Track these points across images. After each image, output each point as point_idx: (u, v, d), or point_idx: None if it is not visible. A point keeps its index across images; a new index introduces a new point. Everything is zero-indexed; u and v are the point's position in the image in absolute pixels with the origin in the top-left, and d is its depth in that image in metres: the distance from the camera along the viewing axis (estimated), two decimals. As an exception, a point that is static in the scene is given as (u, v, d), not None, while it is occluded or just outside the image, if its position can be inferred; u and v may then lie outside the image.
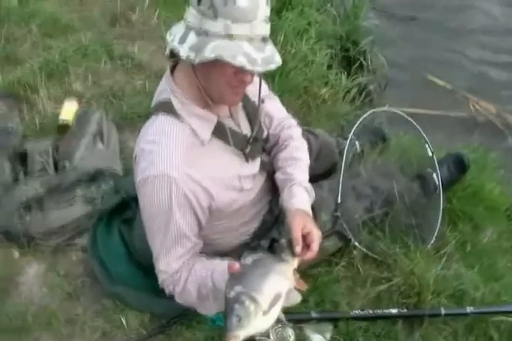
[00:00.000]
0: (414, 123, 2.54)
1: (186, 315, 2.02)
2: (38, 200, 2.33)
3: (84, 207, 2.34)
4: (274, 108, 2.02)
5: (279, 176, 1.94)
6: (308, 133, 2.38)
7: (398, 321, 2.12)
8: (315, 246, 1.68)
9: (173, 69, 1.71)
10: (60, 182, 2.40)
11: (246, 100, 1.83)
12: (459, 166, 2.66)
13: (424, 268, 2.19)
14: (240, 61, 1.45)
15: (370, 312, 2.11)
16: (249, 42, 1.47)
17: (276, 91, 2.51)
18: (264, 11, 1.48)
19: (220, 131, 1.72)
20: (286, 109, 2.09)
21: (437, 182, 2.53)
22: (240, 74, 1.54)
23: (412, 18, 4.29)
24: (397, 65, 3.50)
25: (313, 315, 2.07)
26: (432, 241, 2.38)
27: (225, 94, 1.61)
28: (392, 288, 2.19)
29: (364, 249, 2.28)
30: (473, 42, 4.05)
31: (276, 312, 1.38)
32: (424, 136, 2.54)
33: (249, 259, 1.45)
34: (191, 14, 1.52)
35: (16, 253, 2.24)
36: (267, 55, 1.49)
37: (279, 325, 1.98)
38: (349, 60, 3.47)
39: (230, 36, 1.46)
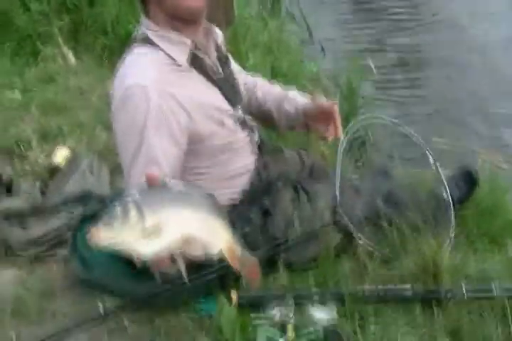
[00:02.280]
0: (412, 134, 2.58)
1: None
2: (20, 216, 2.34)
3: (67, 219, 2.34)
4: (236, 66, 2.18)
5: (269, 102, 2.15)
6: (300, 150, 2.47)
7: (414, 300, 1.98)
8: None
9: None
10: (45, 204, 2.43)
11: (218, 47, 1.98)
12: (468, 181, 2.65)
13: (438, 250, 2.09)
14: None
15: (380, 287, 1.99)
16: None
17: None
18: None
19: (196, 61, 1.83)
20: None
21: (446, 196, 2.51)
22: None
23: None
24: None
25: (315, 291, 1.96)
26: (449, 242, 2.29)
27: None
28: (403, 272, 2.08)
29: (367, 242, 2.20)
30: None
31: (161, 244, 1.20)
32: (423, 145, 2.57)
33: (180, 184, 1.31)
34: None
35: (-8, 261, 2.21)
36: None
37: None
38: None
39: None
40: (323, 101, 2.05)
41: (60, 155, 2.84)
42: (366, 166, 2.89)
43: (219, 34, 2.01)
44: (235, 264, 1.36)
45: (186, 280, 1.31)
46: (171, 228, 1.20)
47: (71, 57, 4.22)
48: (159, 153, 1.67)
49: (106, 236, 1.14)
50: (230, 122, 1.89)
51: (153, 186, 1.23)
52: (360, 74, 3.86)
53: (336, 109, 2.02)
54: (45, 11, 4.35)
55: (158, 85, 1.65)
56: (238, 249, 1.36)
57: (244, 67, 2.36)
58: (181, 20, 1.77)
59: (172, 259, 1.24)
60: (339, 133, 2.05)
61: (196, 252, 1.26)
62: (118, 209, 1.17)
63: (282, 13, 5.36)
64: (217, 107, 1.84)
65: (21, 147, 2.96)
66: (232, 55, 2.12)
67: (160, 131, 1.66)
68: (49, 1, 4.40)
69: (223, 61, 1.96)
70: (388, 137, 2.92)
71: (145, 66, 1.70)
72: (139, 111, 1.64)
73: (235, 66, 2.13)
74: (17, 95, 3.70)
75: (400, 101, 4.37)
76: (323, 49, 5.07)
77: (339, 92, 3.85)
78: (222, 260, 1.35)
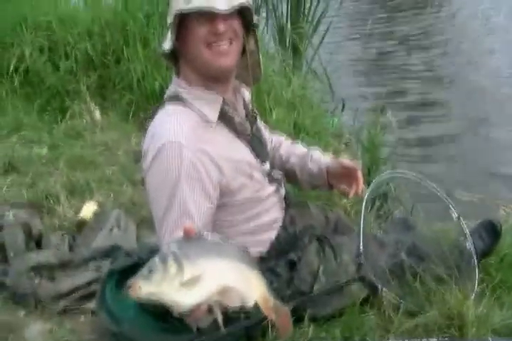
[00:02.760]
0: (435, 188, 2.62)
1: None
2: (49, 269, 2.41)
3: (96, 274, 2.40)
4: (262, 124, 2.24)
5: (292, 160, 2.17)
6: (324, 206, 2.53)
7: (439, 354, 2.00)
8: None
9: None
10: (73, 258, 2.49)
11: (245, 104, 2.06)
12: (491, 232, 2.68)
13: (463, 302, 2.11)
14: (196, 3, 1.69)
15: (406, 341, 2.01)
16: None
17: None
18: None
19: (226, 118, 1.90)
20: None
21: (470, 248, 2.54)
22: (211, 28, 1.74)
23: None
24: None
25: (342, 344, 1.99)
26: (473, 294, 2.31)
27: (207, 58, 1.78)
28: (427, 323, 2.10)
29: (393, 296, 2.23)
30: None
31: (199, 295, 1.24)
32: (446, 199, 2.61)
33: (215, 236, 1.35)
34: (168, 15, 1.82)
35: (22, 312, 2.26)
36: None
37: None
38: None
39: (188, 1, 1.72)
40: (345, 160, 2.10)
41: (88, 210, 2.93)
42: (389, 219, 2.92)
43: (246, 92, 2.10)
44: (269, 314, 1.41)
45: (223, 330, 1.35)
46: (208, 279, 1.25)
47: (97, 114, 4.36)
48: (192, 206, 1.72)
49: (146, 289, 1.20)
50: (258, 175, 1.95)
51: (190, 238, 1.29)
52: (381, 129, 3.92)
53: (359, 167, 2.07)
54: (74, 69, 4.51)
55: (190, 141, 1.72)
56: (271, 299, 1.41)
57: (267, 123, 2.44)
58: (212, 79, 1.85)
59: (209, 309, 1.29)
60: (361, 192, 2.09)
61: (233, 302, 1.30)
62: (157, 262, 1.22)
63: (303, 68, 5.52)
64: (246, 162, 1.91)
65: (50, 201, 3.05)
66: (257, 111, 2.20)
67: (193, 185, 1.72)
68: (77, 59, 4.57)
69: (251, 118, 2.04)
70: (411, 191, 2.95)
71: (177, 123, 1.77)
72: (173, 166, 1.70)
73: (261, 123, 2.21)
74: (45, 151, 3.83)
75: (420, 156, 4.43)
76: (343, 105, 5.19)
77: (360, 147, 3.92)
78: (251, 310, 1.41)
